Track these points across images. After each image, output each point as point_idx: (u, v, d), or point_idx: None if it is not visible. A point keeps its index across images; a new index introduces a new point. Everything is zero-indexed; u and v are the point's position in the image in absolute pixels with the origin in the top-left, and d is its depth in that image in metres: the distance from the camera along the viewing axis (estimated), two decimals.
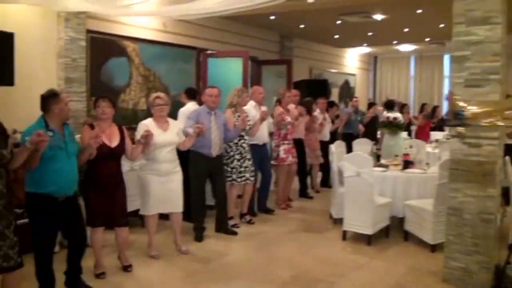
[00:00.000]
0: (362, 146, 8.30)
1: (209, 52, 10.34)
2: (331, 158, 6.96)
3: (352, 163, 5.83)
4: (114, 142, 4.42)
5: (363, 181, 5.64)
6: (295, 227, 6.62)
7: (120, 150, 4.47)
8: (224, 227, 6.10)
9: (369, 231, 5.68)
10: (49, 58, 7.71)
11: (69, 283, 4.21)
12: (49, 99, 3.86)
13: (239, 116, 6.18)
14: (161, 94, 5.10)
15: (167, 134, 4.97)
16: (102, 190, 4.35)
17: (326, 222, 6.78)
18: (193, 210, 5.81)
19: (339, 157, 6.71)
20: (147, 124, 4.94)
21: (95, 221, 4.40)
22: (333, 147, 7.06)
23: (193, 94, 7.58)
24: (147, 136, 4.50)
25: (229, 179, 6.23)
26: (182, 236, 5.50)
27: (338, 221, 6.38)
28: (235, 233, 6.09)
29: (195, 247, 5.61)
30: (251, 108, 6.66)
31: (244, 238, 6.04)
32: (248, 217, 6.69)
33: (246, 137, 6.34)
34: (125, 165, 5.48)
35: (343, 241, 5.87)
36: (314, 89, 11.71)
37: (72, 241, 4.12)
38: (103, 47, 8.42)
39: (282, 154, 7.28)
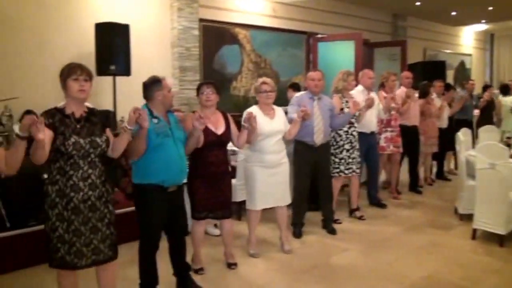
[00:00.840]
0: (489, 133, 7.55)
1: (319, 36, 10.03)
2: (458, 147, 6.40)
3: (484, 153, 5.28)
4: (220, 129, 4.17)
5: (498, 174, 5.08)
6: (416, 223, 5.97)
7: (226, 137, 4.22)
8: (328, 225, 5.55)
9: (502, 230, 5.11)
10: (163, 48, 7.85)
11: (181, 284, 3.97)
12: (151, 86, 3.68)
13: (347, 102, 5.64)
14: (268, 80, 4.67)
15: (274, 122, 4.61)
16: (209, 180, 4.11)
17: (450, 218, 6.21)
18: (294, 203, 5.27)
19: (466, 146, 6.14)
20: (251, 111, 4.47)
21: (200, 213, 4.15)
22: (460, 136, 6.47)
23: (298, 88, 7.41)
24: (250, 118, 4.15)
25: (336, 171, 5.72)
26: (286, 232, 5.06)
27: (465, 217, 5.83)
28: (333, 232, 5.49)
29: (297, 244, 5.17)
30: (358, 94, 6.05)
31: (356, 236, 5.47)
32: (358, 213, 6.10)
33: (356, 125, 5.78)
34: (241, 155, 5.44)
35: (473, 241, 5.31)
36: (430, 72, 10.93)
37: (173, 234, 3.87)
38: (215, 35, 8.47)
39: (382, 143, 6.72)
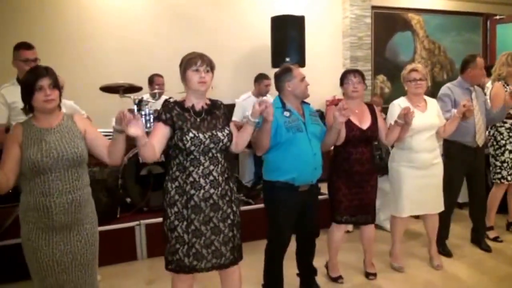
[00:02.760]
0: None
1: (497, 17, 9.19)
2: None
3: None
4: (366, 124, 3.67)
5: None
6: None
7: (372, 132, 3.70)
8: (479, 239, 4.66)
9: None
10: (335, 38, 7.80)
11: (305, 286, 3.73)
12: (281, 76, 3.37)
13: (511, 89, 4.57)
14: (419, 66, 3.99)
15: (426, 116, 3.91)
16: (352, 180, 3.67)
17: None
18: (444, 216, 4.35)
19: None
20: (400, 103, 3.93)
21: (341, 214, 3.73)
22: None
23: None
24: (407, 114, 3.54)
25: (497, 176, 4.72)
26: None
27: None
28: (488, 250, 4.56)
29: (448, 262, 4.33)
30: None
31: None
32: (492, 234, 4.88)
33: None
34: None
35: None
36: None
37: (303, 235, 3.59)
38: (387, 22, 8.19)
39: None
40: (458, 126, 4.07)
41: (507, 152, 4.64)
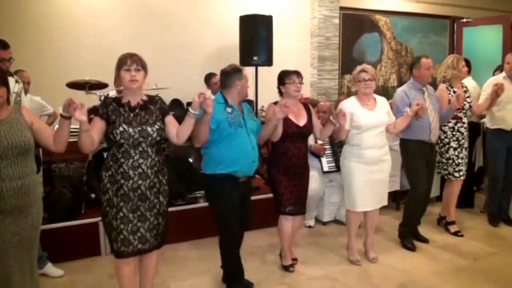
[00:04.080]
0: None
1: (464, 20, 9.41)
2: None
3: None
4: (302, 121, 3.89)
5: None
6: None
7: (308, 129, 3.94)
8: (417, 233, 4.83)
9: None
10: (303, 38, 7.92)
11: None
12: (232, 74, 3.54)
13: (454, 93, 4.71)
14: (368, 67, 4.14)
15: (374, 114, 4.09)
16: (290, 172, 3.87)
17: None
18: (409, 209, 4.70)
19: None
20: (348, 105, 4.11)
21: (285, 205, 3.89)
22: None
23: None
24: (338, 115, 3.77)
25: (445, 172, 4.94)
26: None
27: None
28: (425, 241, 4.77)
29: (389, 256, 4.43)
30: (497, 81, 4.95)
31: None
32: (453, 228, 5.04)
33: (464, 120, 4.88)
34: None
35: None
36: None
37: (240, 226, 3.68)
38: (355, 23, 8.32)
39: None
40: (414, 124, 4.32)
41: (451, 149, 4.84)
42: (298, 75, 3.89)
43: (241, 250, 3.74)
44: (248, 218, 3.74)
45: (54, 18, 6.27)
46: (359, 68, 4.17)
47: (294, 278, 3.98)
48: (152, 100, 3.06)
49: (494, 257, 4.39)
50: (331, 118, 3.89)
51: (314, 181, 4.81)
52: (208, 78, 6.32)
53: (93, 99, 5.06)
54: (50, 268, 4.02)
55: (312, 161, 4.89)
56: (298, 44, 7.86)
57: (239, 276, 3.69)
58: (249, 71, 6.49)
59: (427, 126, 4.45)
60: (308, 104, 4.10)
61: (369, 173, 4.10)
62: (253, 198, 4.27)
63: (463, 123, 4.87)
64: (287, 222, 3.99)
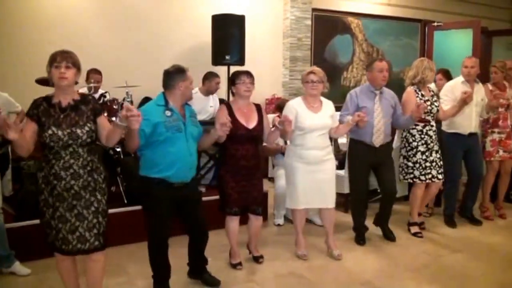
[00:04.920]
0: None
1: (435, 24, 9.60)
2: None
3: None
4: (252, 123, 3.87)
5: None
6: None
7: (258, 132, 3.91)
8: (386, 231, 4.89)
9: None
10: (275, 38, 7.99)
11: (192, 274, 3.85)
12: (175, 75, 3.40)
13: (423, 96, 4.74)
14: (317, 70, 4.14)
15: (318, 117, 4.13)
16: (239, 174, 3.86)
17: None
18: (353, 208, 4.87)
19: None
20: (294, 105, 4.16)
21: (231, 207, 3.88)
22: None
23: None
24: (284, 123, 3.75)
25: (410, 176, 4.86)
26: (334, 236, 4.51)
27: None
28: (392, 239, 4.82)
29: (353, 253, 4.53)
30: (456, 85, 5.07)
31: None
32: (413, 229, 5.03)
33: (433, 123, 4.84)
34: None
35: None
36: None
37: (190, 228, 3.63)
38: (327, 25, 8.44)
39: (488, 147, 5.43)
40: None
41: (419, 153, 4.78)
42: (249, 76, 3.89)
43: (211, 248, 3.77)
44: (199, 225, 3.62)
45: (24, 14, 6.21)
46: (308, 69, 4.24)
47: (262, 276, 4.01)
48: (84, 100, 2.96)
49: (457, 255, 4.49)
50: (276, 123, 3.88)
51: (281, 178, 4.86)
52: (210, 76, 6.06)
53: None
54: (18, 267, 3.97)
55: (280, 159, 4.97)
56: (271, 44, 7.94)
57: (165, 278, 3.58)
58: (221, 70, 6.62)
59: (369, 129, 4.44)
60: (260, 106, 4.08)
61: (311, 172, 4.15)
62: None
63: (432, 126, 4.83)
64: (233, 222, 3.99)
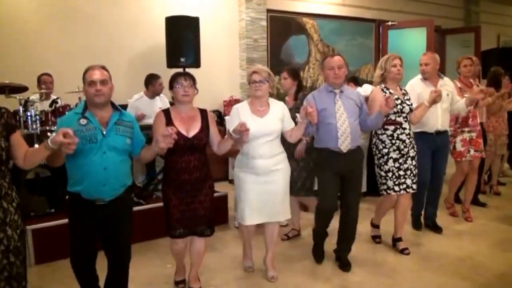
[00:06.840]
0: None
1: (389, 23, 9.75)
2: None
3: None
4: (193, 131, 3.38)
5: None
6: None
7: (199, 140, 3.40)
8: (343, 257, 4.25)
9: None
10: (231, 39, 7.94)
11: None
12: (84, 78, 3.05)
13: (391, 94, 4.19)
14: (261, 68, 3.69)
15: (263, 122, 3.65)
16: (183, 190, 3.41)
17: None
18: (315, 220, 4.29)
19: None
20: (238, 108, 3.75)
21: (174, 228, 3.44)
22: None
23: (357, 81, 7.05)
24: (242, 132, 3.24)
25: (383, 188, 4.36)
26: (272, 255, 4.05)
27: None
28: (347, 268, 4.18)
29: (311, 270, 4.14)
30: (416, 84, 4.77)
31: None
32: (401, 244, 4.55)
33: (405, 126, 4.30)
34: None
35: None
36: (506, 60, 10.38)
37: (110, 256, 3.17)
38: (282, 26, 8.46)
39: (459, 147, 5.22)
40: (320, 131, 3.95)
41: (391, 160, 4.27)
42: (187, 78, 3.41)
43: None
44: (119, 253, 3.16)
45: None
46: (252, 69, 3.77)
47: None
48: None
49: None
50: (231, 131, 3.38)
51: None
52: (152, 79, 5.94)
53: (13, 103, 4.83)
54: None
55: None
56: (227, 46, 7.88)
57: None
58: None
59: (334, 132, 3.89)
60: (206, 111, 3.57)
61: (260, 184, 3.72)
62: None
63: (404, 129, 4.28)
64: (176, 245, 3.57)
